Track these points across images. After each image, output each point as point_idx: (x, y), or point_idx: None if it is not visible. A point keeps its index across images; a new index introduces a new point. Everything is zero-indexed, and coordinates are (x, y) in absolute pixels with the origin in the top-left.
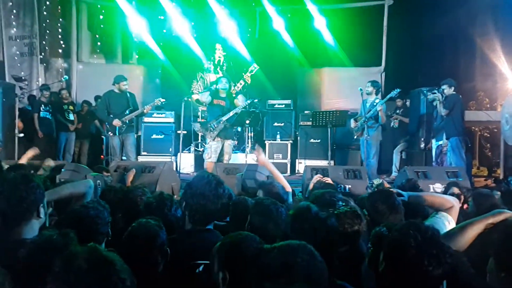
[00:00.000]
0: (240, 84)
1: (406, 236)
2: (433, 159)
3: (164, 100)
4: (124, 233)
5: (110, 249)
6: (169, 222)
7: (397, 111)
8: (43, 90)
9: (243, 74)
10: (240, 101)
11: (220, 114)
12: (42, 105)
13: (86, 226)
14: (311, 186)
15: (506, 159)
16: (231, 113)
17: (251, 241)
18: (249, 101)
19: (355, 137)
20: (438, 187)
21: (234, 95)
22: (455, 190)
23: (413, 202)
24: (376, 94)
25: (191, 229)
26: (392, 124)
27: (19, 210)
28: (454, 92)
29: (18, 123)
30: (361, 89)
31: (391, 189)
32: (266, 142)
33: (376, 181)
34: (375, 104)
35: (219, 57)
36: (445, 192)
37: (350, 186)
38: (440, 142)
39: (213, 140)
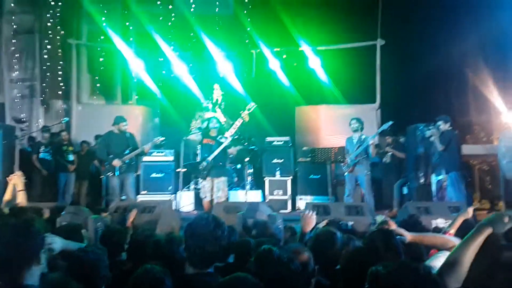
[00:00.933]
0: (239, 121)
1: (399, 275)
2: (433, 194)
3: (163, 138)
4: (128, 275)
5: None
6: (178, 261)
7: (388, 147)
8: (44, 132)
9: (241, 112)
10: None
11: (207, 154)
12: (42, 147)
13: (86, 270)
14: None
15: (507, 191)
16: (215, 152)
17: (248, 283)
18: (238, 146)
19: (345, 174)
20: (441, 222)
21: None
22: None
23: (414, 243)
24: (361, 130)
25: (192, 273)
26: (384, 159)
27: (20, 257)
28: (450, 128)
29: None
30: (351, 124)
31: (395, 228)
32: (265, 179)
33: (379, 218)
34: (363, 139)
35: (217, 96)
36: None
37: (352, 222)
38: (440, 177)
39: (204, 179)
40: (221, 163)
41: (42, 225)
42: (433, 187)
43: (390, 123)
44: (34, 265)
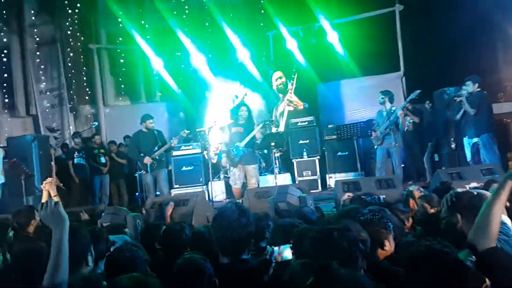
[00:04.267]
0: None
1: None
2: (469, 158)
3: (188, 131)
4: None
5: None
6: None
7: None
8: (74, 138)
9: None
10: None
11: (238, 141)
12: (76, 152)
13: (125, 268)
14: (342, 203)
15: None
16: (246, 139)
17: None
18: (261, 125)
19: (375, 147)
20: (474, 186)
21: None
22: (495, 186)
23: None
24: (391, 102)
25: (226, 262)
26: (406, 128)
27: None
28: (478, 89)
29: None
30: (381, 97)
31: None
32: (293, 160)
33: (412, 188)
34: (392, 111)
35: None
36: (485, 189)
37: (384, 196)
38: (475, 140)
39: (235, 167)
40: (252, 150)
41: (87, 230)
42: (467, 151)
43: (418, 92)
44: (83, 267)
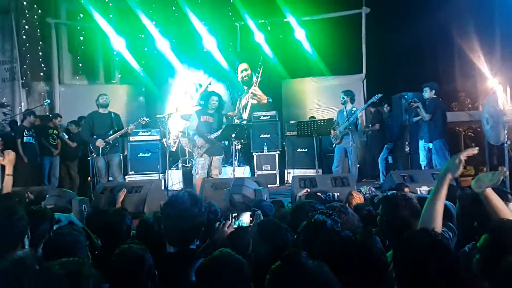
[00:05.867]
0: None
1: (413, 241)
2: (422, 160)
3: (148, 119)
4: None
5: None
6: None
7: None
8: (28, 115)
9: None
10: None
11: (207, 131)
12: (25, 130)
13: (64, 253)
14: (297, 198)
15: (491, 157)
16: (218, 132)
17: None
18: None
19: (334, 145)
20: (425, 189)
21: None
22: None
23: None
24: (352, 102)
25: (172, 252)
26: (365, 132)
27: (3, 243)
28: (434, 96)
29: None
30: (342, 97)
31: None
32: (253, 154)
33: (364, 189)
34: (352, 112)
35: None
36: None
37: (338, 193)
38: (429, 145)
39: (200, 156)
40: (219, 142)
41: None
42: (421, 154)
43: (379, 95)
44: (18, 250)
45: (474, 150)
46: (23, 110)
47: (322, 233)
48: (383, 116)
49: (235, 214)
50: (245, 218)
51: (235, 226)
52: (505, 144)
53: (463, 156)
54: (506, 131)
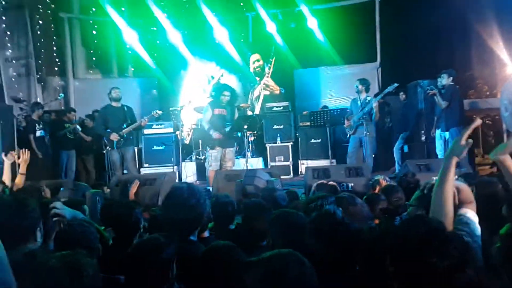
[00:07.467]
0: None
1: (409, 228)
2: (439, 150)
3: (161, 112)
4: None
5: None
6: None
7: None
8: (36, 108)
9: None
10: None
11: (221, 124)
12: (37, 124)
13: (74, 244)
14: (313, 189)
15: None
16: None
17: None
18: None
19: (348, 136)
20: None
21: None
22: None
23: None
24: (366, 91)
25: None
26: (386, 124)
27: (15, 236)
28: (452, 83)
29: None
30: (356, 86)
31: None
32: (267, 145)
33: (378, 178)
34: (367, 101)
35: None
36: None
37: (352, 184)
38: (447, 134)
39: (213, 149)
40: (233, 133)
41: (37, 204)
42: (438, 144)
43: (395, 85)
44: (30, 243)
45: (477, 121)
46: (31, 104)
47: (331, 225)
48: (391, 106)
49: None
50: None
51: None
52: None
53: (466, 135)
54: None
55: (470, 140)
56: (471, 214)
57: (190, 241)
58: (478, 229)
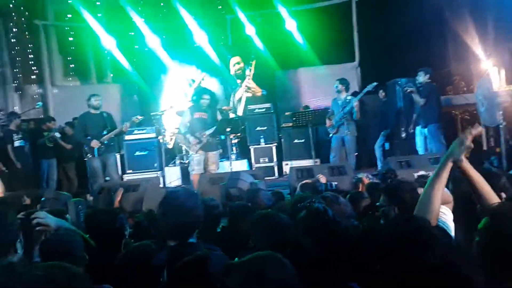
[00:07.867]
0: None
1: (395, 227)
2: (420, 146)
3: (141, 117)
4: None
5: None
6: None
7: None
8: (13, 118)
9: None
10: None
11: (201, 128)
12: (14, 134)
13: (61, 253)
14: (298, 189)
15: (487, 139)
16: (213, 129)
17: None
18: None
19: (330, 135)
20: (422, 173)
21: None
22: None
23: None
24: (346, 91)
25: (173, 245)
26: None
27: None
28: (428, 81)
29: None
30: (336, 86)
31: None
32: (250, 147)
33: (361, 175)
34: (347, 101)
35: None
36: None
37: (336, 182)
38: (426, 131)
39: (195, 153)
40: (214, 137)
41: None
42: (418, 140)
43: (374, 84)
44: (11, 254)
45: (478, 129)
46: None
47: (322, 222)
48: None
49: None
50: None
51: None
52: (500, 126)
53: (468, 139)
54: (501, 113)
55: (471, 144)
56: (445, 210)
57: (190, 243)
58: (451, 226)
